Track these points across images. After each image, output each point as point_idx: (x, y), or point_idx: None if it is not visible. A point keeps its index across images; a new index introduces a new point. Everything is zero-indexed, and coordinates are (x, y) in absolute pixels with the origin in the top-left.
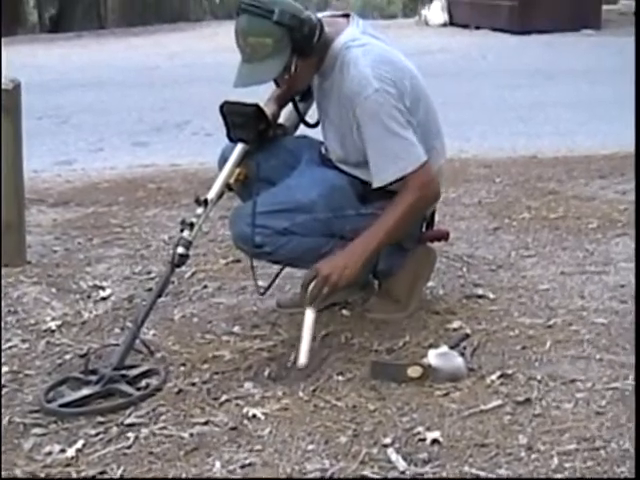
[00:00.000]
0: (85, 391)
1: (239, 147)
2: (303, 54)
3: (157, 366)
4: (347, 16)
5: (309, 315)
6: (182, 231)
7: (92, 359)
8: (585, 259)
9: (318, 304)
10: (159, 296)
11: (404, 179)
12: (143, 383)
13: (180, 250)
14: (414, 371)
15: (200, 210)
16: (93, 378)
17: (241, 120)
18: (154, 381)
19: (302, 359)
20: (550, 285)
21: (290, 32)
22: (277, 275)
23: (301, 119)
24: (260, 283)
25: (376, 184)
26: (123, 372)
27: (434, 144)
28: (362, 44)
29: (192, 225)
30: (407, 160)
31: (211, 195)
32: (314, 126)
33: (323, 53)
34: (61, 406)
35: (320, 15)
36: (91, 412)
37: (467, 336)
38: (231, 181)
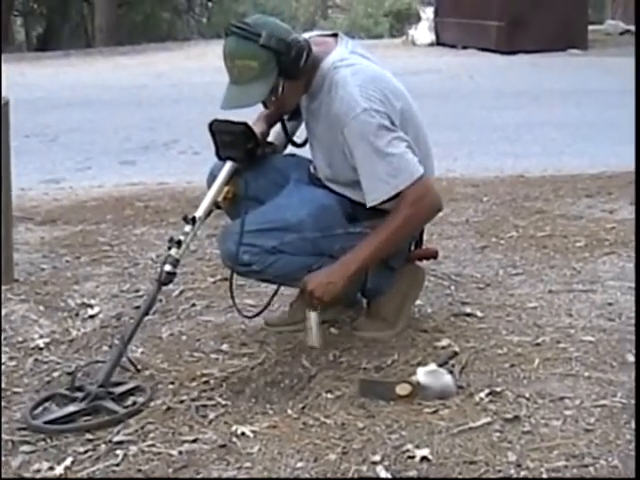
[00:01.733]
0: (71, 408)
1: (228, 165)
2: (290, 76)
3: (143, 383)
4: (336, 36)
5: (311, 314)
6: (170, 249)
7: (79, 376)
8: (572, 277)
9: (314, 308)
10: (146, 314)
11: (399, 196)
12: (129, 401)
13: (167, 268)
14: (403, 389)
15: (188, 228)
16: (79, 395)
17: (230, 138)
18: (140, 398)
19: (314, 342)
20: (538, 303)
21: (276, 55)
22: (268, 302)
23: (289, 139)
24: (249, 302)
25: (369, 204)
26: (109, 389)
27: (424, 165)
28: (350, 64)
29: (180, 243)
30: (399, 177)
31: (199, 213)
32: (302, 146)
33: (311, 74)
34: (46, 423)
35: (308, 35)
36: (76, 429)
37: (455, 354)
38: (219, 199)
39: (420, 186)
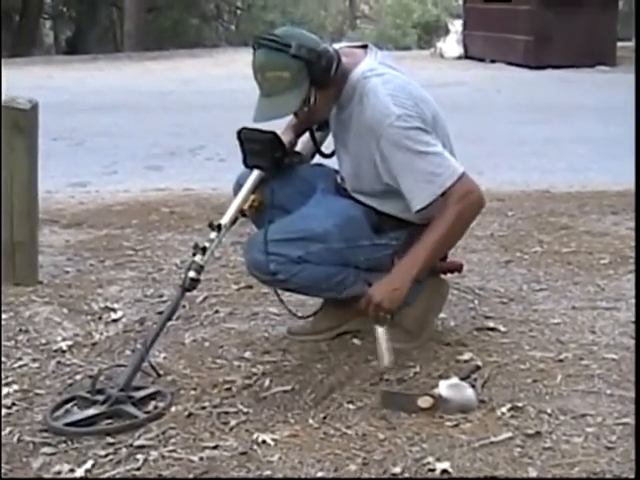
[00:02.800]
0: (91, 411)
1: (255, 174)
2: (321, 86)
3: (164, 389)
4: (365, 47)
5: (379, 330)
6: (194, 255)
7: (100, 379)
8: (596, 294)
9: (382, 322)
10: (169, 319)
11: (444, 194)
12: (150, 405)
13: (191, 274)
14: (424, 402)
15: (213, 235)
16: (100, 398)
17: (258, 147)
18: (160, 403)
19: (385, 361)
20: (561, 319)
21: (308, 65)
22: (321, 308)
23: (317, 149)
24: (272, 310)
25: (417, 207)
26: (130, 393)
27: None
28: (380, 74)
29: (205, 249)
30: (443, 175)
31: (225, 220)
32: (329, 156)
33: (341, 84)
34: (66, 425)
35: (337, 46)
36: (95, 432)
37: (478, 368)
38: (245, 207)
39: (465, 182)
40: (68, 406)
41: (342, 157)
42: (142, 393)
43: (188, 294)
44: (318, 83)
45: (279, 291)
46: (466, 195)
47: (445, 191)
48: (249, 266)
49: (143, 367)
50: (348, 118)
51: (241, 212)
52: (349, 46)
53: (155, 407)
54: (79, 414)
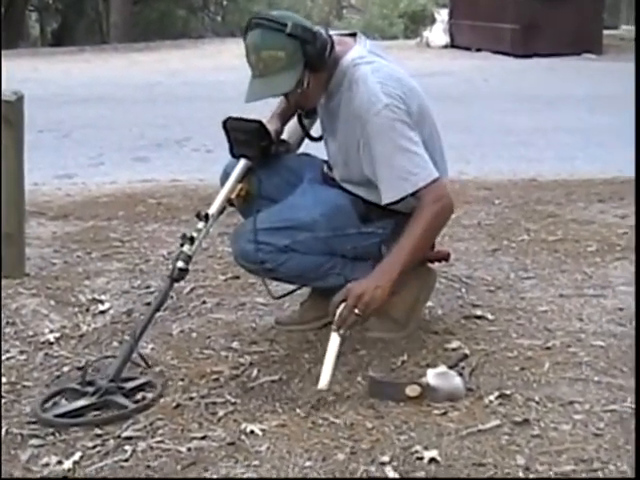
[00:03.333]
0: (81, 402)
1: (241, 163)
2: (315, 69)
3: (154, 379)
4: (354, 35)
5: (334, 340)
6: (182, 245)
7: (89, 371)
8: (584, 282)
9: (346, 329)
10: (158, 310)
11: (415, 195)
12: (139, 396)
13: (180, 264)
14: (412, 390)
15: (201, 225)
16: (90, 389)
17: (244, 136)
18: (150, 394)
19: (323, 383)
20: (549, 307)
21: (303, 45)
22: (295, 289)
23: (306, 133)
24: (260, 300)
25: (386, 201)
26: (120, 384)
27: (438, 164)
28: (370, 62)
29: (192, 239)
30: (418, 176)
31: (212, 210)
32: (318, 140)
33: (331, 71)
34: (56, 416)
35: None
36: (85, 423)
37: (466, 356)
38: (232, 197)
39: (438, 187)
40: (57, 398)
41: (330, 145)
42: (132, 384)
43: (176, 285)
44: (312, 66)
45: (255, 280)
46: (440, 199)
47: (417, 191)
48: (236, 256)
49: (133, 358)
50: (337, 105)
51: (228, 201)
52: (339, 34)
53: (144, 397)
54: (69, 405)
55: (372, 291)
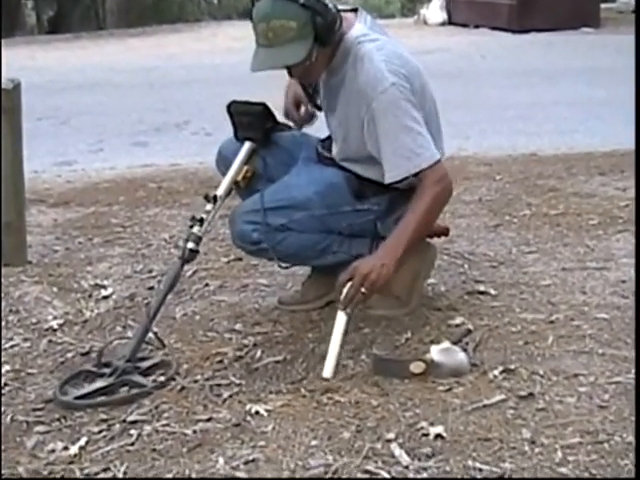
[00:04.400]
0: (99, 383)
1: (246, 145)
2: (323, 42)
3: (168, 358)
4: (355, 11)
5: (341, 319)
6: (192, 227)
7: (105, 353)
8: (586, 255)
9: (353, 307)
10: (170, 290)
11: (417, 175)
12: (156, 375)
13: (190, 245)
14: (417, 367)
15: (209, 206)
16: (106, 371)
17: (248, 119)
18: (166, 372)
19: (327, 372)
20: (551, 281)
21: (314, 17)
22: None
23: (314, 104)
24: (262, 281)
25: (389, 180)
26: (136, 364)
27: (436, 143)
28: (374, 39)
29: (202, 221)
30: (422, 156)
31: (220, 192)
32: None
33: (336, 46)
34: (76, 398)
35: None
36: (106, 403)
37: (469, 332)
38: (239, 178)
39: (440, 168)
40: (75, 381)
41: (330, 122)
42: (147, 363)
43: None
44: (321, 39)
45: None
46: (441, 179)
47: (419, 172)
48: (234, 237)
49: (147, 338)
50: (340, 82)
51: (235, 183)
52: (339, 10)
53: (162, 375)
54: (88, 387)
55: (378, 269)
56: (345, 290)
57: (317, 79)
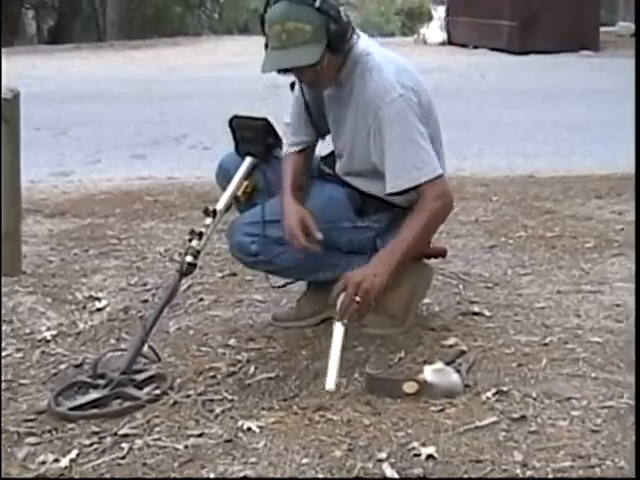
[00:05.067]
0: (94, 395)
1: (247, 161)
2: (335, 49)
3: (163, 370)
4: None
5: (338, 330)
6: (190, 240)
7: (99, 365)
8: (581, 278)
9: (349, 317)
10: (168, 303)
11: (417, 189)
12: (150, 387)
13: (189, 259)
14: (410, 387)
15: (209, 220)
16: (101, 382)
17: (250, 134)
18: (161, 385)
19: (330, 384)
20: (546, 303)
21: (329, 22)
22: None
23: (315, 128)
24: (257, 297)
25: (389, 190)
26: (131, 376)
27: (440, 159)
28: (380, 53)
29: (201, 235)
30: (423, 170)
31: (220, 206)
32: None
33: (346, 56)
34: (71, 409)
35: None
36: (100, 415)
37: (463, 353)
38: (239, 193)
39: (441, 183)
40: (70, 392)
41: (336, 136)
42: (143, 376)
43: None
44: (334, 45)
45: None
46: (441, 196)
47: (419, 185)
48: (232, 248)
49: (142, 351)
50: (348, 93)
51: (235, 198)
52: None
53: (156, 388)
54: (82, 398)
55: (371, 278)
56: (339, 301)
57: (325, 87)
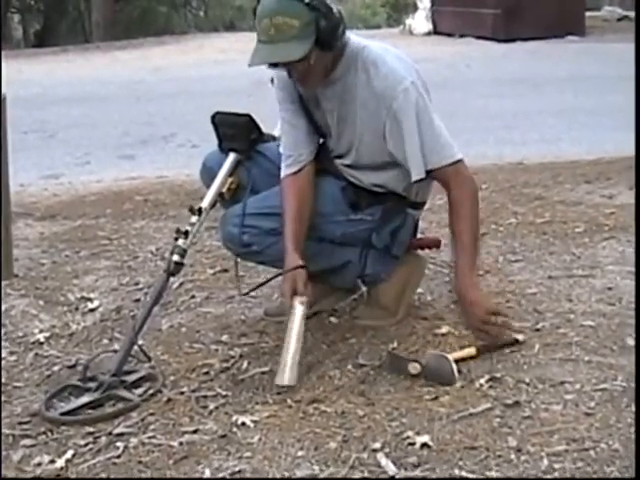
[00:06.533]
0: (85, 398)
1: (231, 157)
2: (324, 46)
3: (154, 371)
4: None
5: (298, 313)
6: (177, 239)
7: (90, 367)
8: (572, 263)
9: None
10: (156, 303)
11: (442, 175)
12: (142, 389)
13: (175, 258)
14: (413, 368)
15: (194, 219)
16: (92, 385)
17: (233, 131)
18: (153, 386)
19: (286, 379)
20: (538, 289)
21: (318, 18)
22: (266, 281)
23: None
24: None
25: (415, 177)
26: (122, 378)
27: None
28: (374, 44)
29: (187, 233)
30: (446, 151)
31: (205, 204)
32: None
33: (338, 55)
34: (62, 414)
35: None
36: (92, 419)
37: (517, 342)
38: (224, 190)
39: (463, 167)
40: (60, 396)
41: (339, 133)
42: (133, 377)
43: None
44: (322, 43)
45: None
46: (466, 180)
47: (455, 162)
48: (225, 239)
49: (133, 352)
50: (350, 89)
51: (220, 195)
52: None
53: (148, 389)
54: (74, 402)
55: (482, 296)
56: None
57: (313, 86)
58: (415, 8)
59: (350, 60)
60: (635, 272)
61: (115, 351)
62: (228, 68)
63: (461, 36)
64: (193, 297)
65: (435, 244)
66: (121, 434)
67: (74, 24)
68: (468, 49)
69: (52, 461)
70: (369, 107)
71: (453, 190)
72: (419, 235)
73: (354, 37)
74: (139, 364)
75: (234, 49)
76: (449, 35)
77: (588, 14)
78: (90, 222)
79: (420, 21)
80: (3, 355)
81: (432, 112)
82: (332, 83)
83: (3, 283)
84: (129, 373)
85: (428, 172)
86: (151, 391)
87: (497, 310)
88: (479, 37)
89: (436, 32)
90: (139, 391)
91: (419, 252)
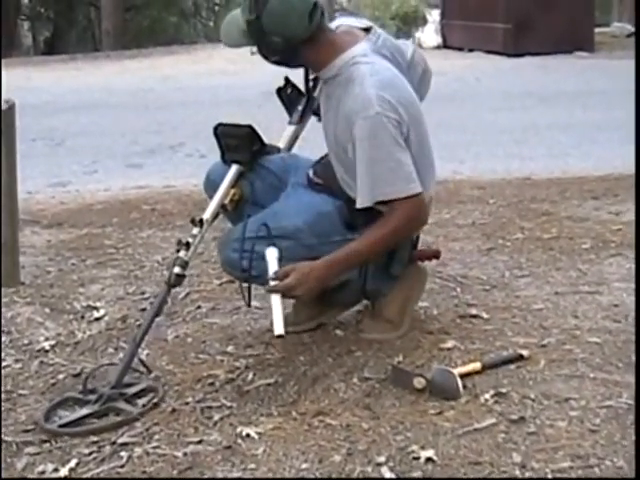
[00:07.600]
0: (84, 410)
1: (233, 168)
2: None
3: (154, 383)
4: (368, 30)
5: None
6: (178, 251)
7: (90, 379)
8: (578, 279)
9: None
10: (157, 315)
11: (388, 205)
12: (141, 401)
13: (177, 270)
14: (419, 382)
15: (196, 230)
16: (92, 397)
17: (235, 142)
18: (153, 398)
19: (279, 329)
20: (544, 305)
21: None
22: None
23: (309, 96)
24: (255, 304)
25: (358, 205)
26: (122, 390)
27: (425, 176)
28: (370, 62)
29: (188, 245)
30: (394, 187)
31: (207, 215)
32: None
33: (326, 56)
34: (61, 426)
35: (340, 21)
36: (90, 431)
37: (522, 357)
38: (226, 202)
39: (415, 202)
40: (61, 408)
41: (325, 137)
42: (133, 389)
43: (172, 290)
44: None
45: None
46: (411, 215)
47: (388, 201)
48: (223, 264)
49: (133, 364)
50: (334, 99)
51: (222, 207)
52: (353, 26)
53: (149, 401)
54: (73, 415)
55: (309, 282)
56: (275, 276)
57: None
58: (425, 21)
59: (337, 69)
60: (635, 289)
61: (115, 364)
62: (237, 78)
63: (470, 50)
64: (199, 307)
65: (435, 255)
66: (125, 444)
67: (84, 32)
68: (478, 63)
69: (56, 469)
70: (339, 124)
71: (388, 215)
72: (420, 247)
73: (360, 47)
74: (142, 376)
75: (243, 59)
76: (458, 49)
77: (597, 30)
78: (97, 231)
79: (429, 34)
80: (8, 362)
81: (392, 146)
82: (324, 82)
83: (10, 290)
84: (129, 385)
85: (378, 202)
86: (150, 404)
87: (292, 289)
88: (488, 51)
89: (445, 46)
90: (139, 402)
91: (420, 264)
